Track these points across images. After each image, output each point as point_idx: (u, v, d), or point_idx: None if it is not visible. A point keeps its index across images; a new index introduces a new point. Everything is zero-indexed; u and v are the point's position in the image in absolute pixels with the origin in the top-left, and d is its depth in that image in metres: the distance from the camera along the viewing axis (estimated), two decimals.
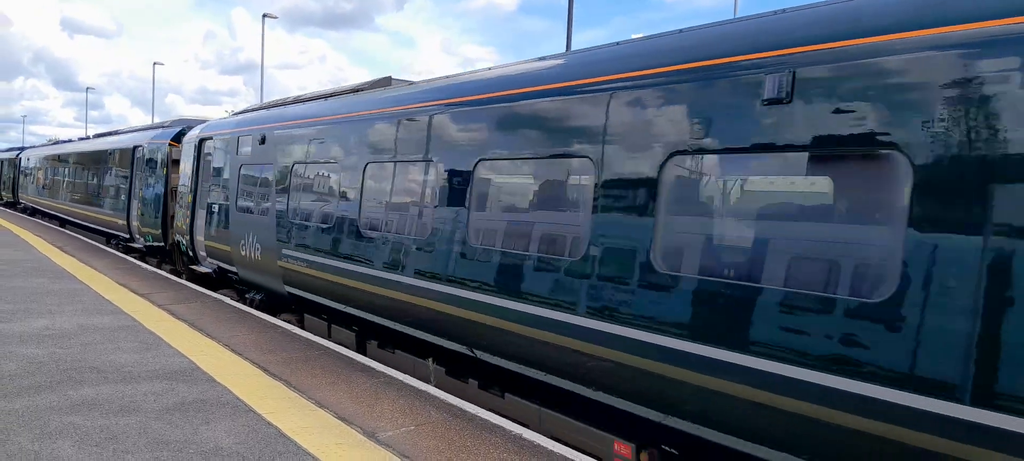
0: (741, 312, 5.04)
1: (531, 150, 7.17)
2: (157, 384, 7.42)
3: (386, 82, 11.40)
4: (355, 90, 11.55)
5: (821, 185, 5.07)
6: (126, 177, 21.20)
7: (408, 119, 9.05)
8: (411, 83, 10.57)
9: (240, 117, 15.00)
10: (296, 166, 11.52)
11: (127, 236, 21.40)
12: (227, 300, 12.91)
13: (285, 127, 12.19)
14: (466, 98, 8.12)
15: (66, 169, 29.86)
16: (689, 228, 5.71)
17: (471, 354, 7.75)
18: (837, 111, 4.70)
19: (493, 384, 7.82)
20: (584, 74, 6.74)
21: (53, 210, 32.02)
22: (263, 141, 12.71)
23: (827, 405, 4.57)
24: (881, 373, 4.32)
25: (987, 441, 3.91)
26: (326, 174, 10.76)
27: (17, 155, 43.42)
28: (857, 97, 4.61)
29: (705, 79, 5.56)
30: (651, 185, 5.78)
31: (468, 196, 7.72)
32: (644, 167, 5.88)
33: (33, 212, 37.38)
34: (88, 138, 32.30)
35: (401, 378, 8.00)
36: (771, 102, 5.05)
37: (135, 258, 19.51)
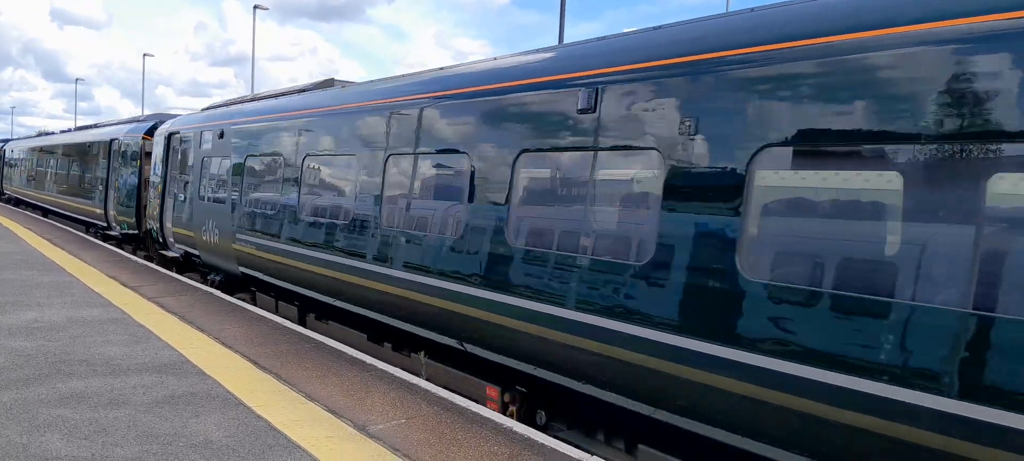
0: (561, 271, 6.46)
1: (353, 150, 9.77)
2: (147, 377, 7.39)
3: (329, 83, 12.63)
4: (301, 90, 12.82)
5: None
6: (104, 169, 22.28)
7: (340, 117, 10.40)
8: (350, 83, 12.08)
9: (205, 113, 16.18)
10: (248, 159, 12.75)
11: (105, 224, 22.43)
12: (217, 293, 12.88)
13: (240, 123, 13.43)
14: (376, 102, 9.72)
15: (49, 161, 30.84)
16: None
17: (379, 320, 9.30)
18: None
19: (404, 347, 9.30)
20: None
21: (37, 200, 32.89)
22: (221, 136, 13.90)
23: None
24: (641, 315, 5.74)
25: None
26: (272, 166, 12.00)
27: (1, 147, 43.78)
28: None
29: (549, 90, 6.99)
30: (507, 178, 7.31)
31: (381, 186, 9.08)
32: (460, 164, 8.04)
33: (17, 203, 38.01)
34: (70, 131, 33.22)
35: (391, 371, 8.00)
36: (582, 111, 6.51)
37: (126, 251, 19.44)
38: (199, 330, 9.68)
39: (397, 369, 8.14)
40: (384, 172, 9.04)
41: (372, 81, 10.88)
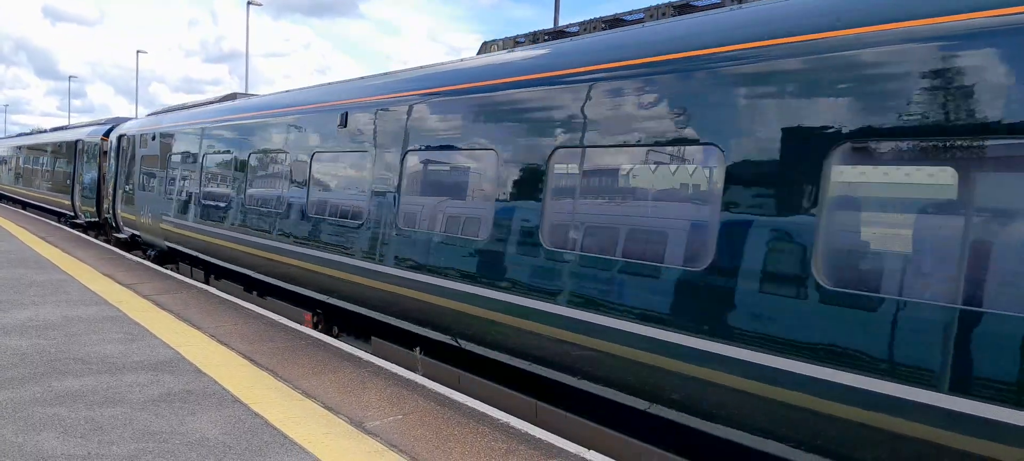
0: (425, 246, 8.07)
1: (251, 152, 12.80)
2: (142, 375, 7.37)
3: (232, 97, 16.46)
4: (209, 102, 16.73)
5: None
6: (71, 166, 25.94)
7: (226, 126, 14.03)
8: (251, 96, 16.16)
9: (148, 118, 20.07)
10: (170, 156, 16.37)
11: (72, 214, 25.94)
12: (212, 290, 12.85)
13: (165, 128, 17.19)
14: (240, 118, 13.54)
15: (25, 158, 34.76)
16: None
17: (249, 275, 12.88)
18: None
19: (266, 293, 12.81)
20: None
21: (14, 194, 36.95)
22: (153, 138, 17.63)
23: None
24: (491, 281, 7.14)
25: None
26: (184, 162, 15.63)
27: None
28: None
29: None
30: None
31: (246, 180, 12.64)
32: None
33: (1, 197, 41.03)
34: (45, 132, 36.52)
35: (388, 367, 8.00)
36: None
37: (121, 249, 19.40)
38: (195, 327, 9.66)
39: (392, 365, 8.14)
40: (247, 168, 12.69)
41: (245, 100, 15.08)
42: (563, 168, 6.69)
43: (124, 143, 19.87)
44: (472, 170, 8.08)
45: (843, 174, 4.69)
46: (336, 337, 10.31)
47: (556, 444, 5.81)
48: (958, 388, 3.90)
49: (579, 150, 6.47)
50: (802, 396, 4.59)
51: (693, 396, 5.36)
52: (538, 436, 6.01)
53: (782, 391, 4.70)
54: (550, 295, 6.40)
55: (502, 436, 6.00)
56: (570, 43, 7.31)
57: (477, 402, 6.92)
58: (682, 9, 6.70)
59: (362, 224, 9.14)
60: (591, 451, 5.70)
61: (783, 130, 4.89)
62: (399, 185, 8.64)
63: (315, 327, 10.81)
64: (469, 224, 7.80)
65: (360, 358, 8.36)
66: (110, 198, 20.88)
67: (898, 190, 4.78)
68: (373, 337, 9.78)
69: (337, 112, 10.07)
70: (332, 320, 11.02)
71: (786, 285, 4.71)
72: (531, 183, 6.77)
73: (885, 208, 4.89)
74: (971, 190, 4.21)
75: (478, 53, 9.12)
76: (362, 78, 10.73)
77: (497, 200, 7.13)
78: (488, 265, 7.12)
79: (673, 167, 5.96)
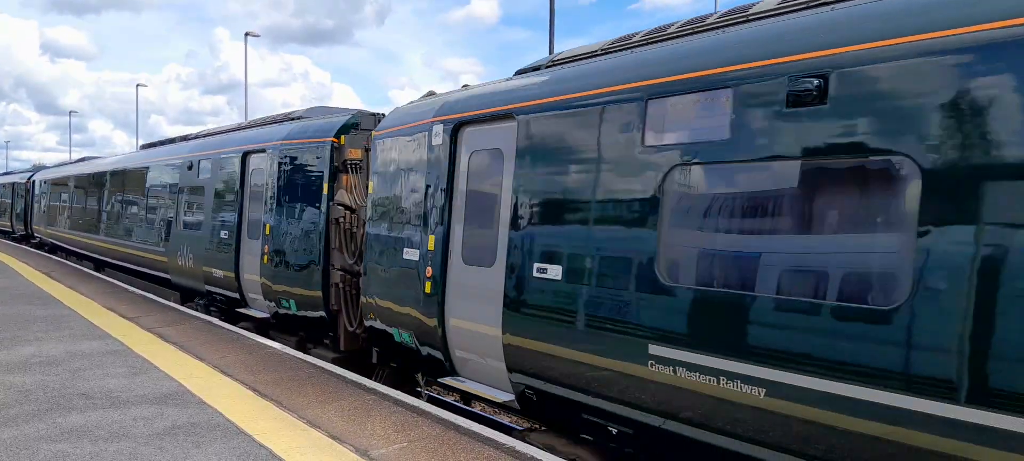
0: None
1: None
2: (147, 409, 7.36)
3: (83, 160, 29.57)
4: (75, 162, 30.65)
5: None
6: (10, 200, 38.90)
7: (84, 178, 24.98)
8: (99, 158, 28.58)
9: (41, 172, 34.02)
10: (50, 192, 29.56)
11: (10, 230, 38.17)
12: (215, 321, 12.84)
13: (47, 177, 30.74)
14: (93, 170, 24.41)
15: None
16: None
17: (103, 260, 22.71)
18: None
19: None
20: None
21: None
22: (45, 182, 30.62)
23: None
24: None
25: None
26: (56, 197, 28.50)
27: None
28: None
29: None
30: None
31: (99, 210, 22.53)
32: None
33: None
34: (5, 174, 48.76)
35: (393, 394, 7.98)
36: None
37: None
38: (198, 359, 9.65)
39: (397, 392, 8.12)
40: (101, 201, 22.23)
41: (92, 162, 26.53)
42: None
43: (34, 185, 33.27)
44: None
45: None
46: None
47: None
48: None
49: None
50: None
51: None
52: (543, 459, 5.98)
53: None
54: None
55: (509, 458, 5.98)
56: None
57: (482, 427, 6.89)
58: None
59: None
60: None
61: None
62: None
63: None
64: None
65: (365, 385, 8.34)
66: (34, 219, 33.29)
67: None
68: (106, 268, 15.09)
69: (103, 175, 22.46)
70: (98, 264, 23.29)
71: None
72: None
73: None
74: None
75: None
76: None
77: None
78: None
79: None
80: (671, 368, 5.43)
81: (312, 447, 6.30)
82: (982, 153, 4.06)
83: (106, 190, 21.76)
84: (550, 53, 22.10)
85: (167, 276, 16.29)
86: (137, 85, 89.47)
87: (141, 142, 30.54)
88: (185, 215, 15.34)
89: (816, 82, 4.78)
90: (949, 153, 4.18)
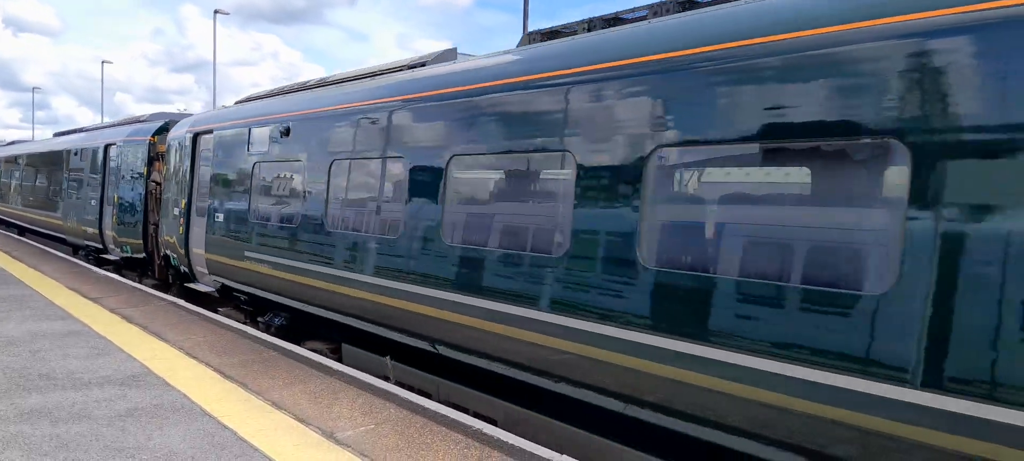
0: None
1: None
2: (109, 390, 7.26)
3: (15, 143, 33.82)
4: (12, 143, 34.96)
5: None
6: None
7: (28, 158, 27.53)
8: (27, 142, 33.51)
9: None
10: (6, 168, 30.74)
11: None
12: (181, 302, 12.69)
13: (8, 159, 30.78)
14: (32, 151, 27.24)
15: None
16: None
17: (23, 226, 27.29)
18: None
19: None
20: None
21: None
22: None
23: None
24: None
25: None
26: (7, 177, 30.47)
27: None
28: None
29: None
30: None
31: (21, 181, 27.54)
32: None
33: None
34: None
35: (360, 377, 7.95)
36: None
37: (89, 262, 19.08)
38: (163, 340, 9.53)
39: (365, 375, 8.09)
40: (19, 179, 26.49)
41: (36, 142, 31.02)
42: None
43: None
44: None
45: None
46: None
47: (527, 449, 5.82)
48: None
49: None
50: None
51: None
52: (510, 442, 6.01)
53: None
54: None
55: (475, 442, 6.00)
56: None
57: (450, 409, 6.91)
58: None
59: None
60: (564, 455, 5.72)
61: None
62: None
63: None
64: None
65: (332, 368, 8.30)
66: None
67: None
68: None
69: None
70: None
71: None
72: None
73: None
74: None
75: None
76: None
77: None
78: None
79: None
80: (254, 263, 10.88)
81: (277, 429, 6.27)
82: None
83: (21, 170, 27.51)
84: (524, 33, 22.36)
85: (63, 236, 21.89)
86: (103, 62, 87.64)
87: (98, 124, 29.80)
88: (71, 189, 20.66)
89: (287, 126, 10.34)
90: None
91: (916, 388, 3.94)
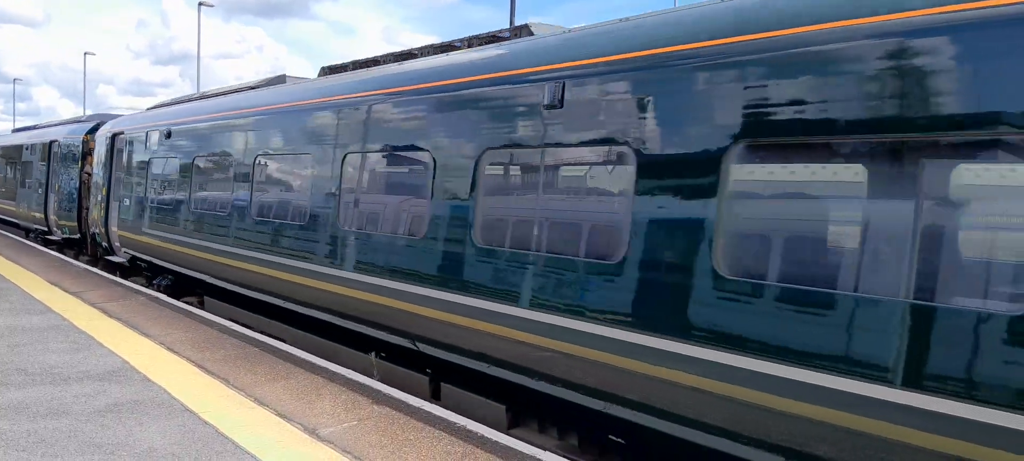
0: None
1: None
2: (89, 385, 7.19)
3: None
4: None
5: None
6: None
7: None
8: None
9: None
10: None
11: None
12: (163, 297, 12.59)
13: None
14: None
15: None
16: None
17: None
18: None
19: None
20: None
21: None
22: None
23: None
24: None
25: None
26: None
27: None
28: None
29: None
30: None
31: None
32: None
33: None
34: None
35: (344, 373, 7.92)
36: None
37: (68, 256, 18.91)
38: (144, 335, 9.45)
39: (348, 371, 8.06)
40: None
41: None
42: None
43: None
44: None
45: None
46: None
47: (511, 446, 5.81)
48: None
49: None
50: None
51: None
52: (494, 438, 6.00)
53: None
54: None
55: (458, 438, 5.98)
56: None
57: (433, 406, 6.89)
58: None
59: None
60: (545, 452, 5.72)
61: None
62: None
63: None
64: None
65: (315, 363, 8.26)
66: None
67: None
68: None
69: None
70: None
71: None
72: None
73: None
74: None
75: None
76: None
77: None
78: None
79: None
80: (149, 238, 13.63)
81: (259, 425, 6.22)
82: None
83: None
84: (510, 26, 22.49)
85: (17, 221, 25.07)
86: (85, 54, 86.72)
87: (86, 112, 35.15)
88: (25, 179, 23.85)
89: (168, 130, 13.42)
90: None
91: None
